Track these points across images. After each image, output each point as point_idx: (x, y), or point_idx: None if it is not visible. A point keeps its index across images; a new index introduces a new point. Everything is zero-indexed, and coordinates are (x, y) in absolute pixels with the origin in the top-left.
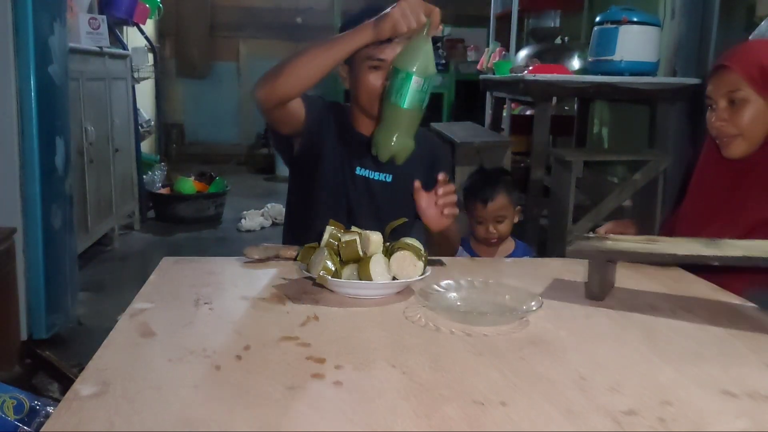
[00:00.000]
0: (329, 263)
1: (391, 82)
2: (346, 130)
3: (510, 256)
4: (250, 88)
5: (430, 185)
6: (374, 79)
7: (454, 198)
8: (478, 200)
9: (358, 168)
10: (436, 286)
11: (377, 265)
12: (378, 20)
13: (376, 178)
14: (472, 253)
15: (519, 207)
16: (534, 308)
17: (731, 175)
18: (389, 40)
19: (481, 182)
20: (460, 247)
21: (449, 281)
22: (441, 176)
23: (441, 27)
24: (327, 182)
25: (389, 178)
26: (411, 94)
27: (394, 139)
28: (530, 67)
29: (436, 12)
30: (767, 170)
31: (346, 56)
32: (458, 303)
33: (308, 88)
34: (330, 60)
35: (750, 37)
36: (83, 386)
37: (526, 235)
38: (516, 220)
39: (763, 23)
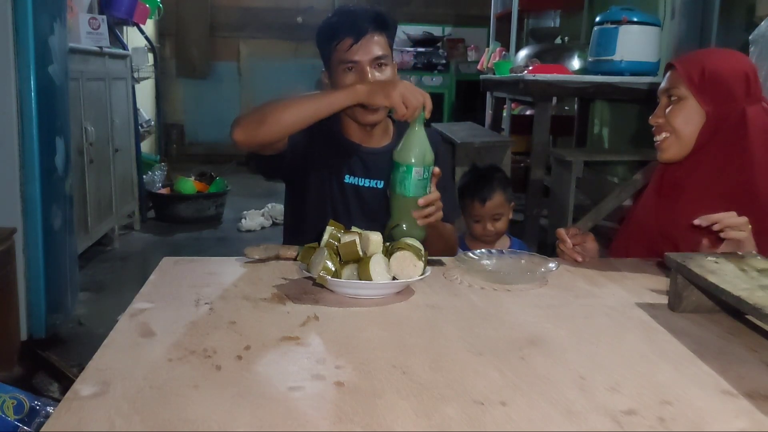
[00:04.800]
0: (329, 263)
1: (394, 175)
2: (334, 137)
3: None
4: (251, 89)
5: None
6: (350, 81)
7: (432, 210)
8: (475, 199)
9: (347, 176)
10: (471, 254)
11: (377, 265)
12: (374, 90)
13: (366, 185)
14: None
15: (513, 203)
16: (553, 269)
17: (668, 188)
18: (358, 38)
19: (477, 181)
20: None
21: (482, 250)
22: (436, 170)
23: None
24: (316, 193)
25: (380, 185)
26: (414, 183)
27: (405, 228)
28: (530, 67)
29: (429, 100)
30: (697, 180)
31: (331, 113)
32: (489, 266)
33: (286, 133)
34: (314, 114)
35: (750, 38)
36: (83, 386)
37: (526, 235)
38: (510, 216)
39: (763, 23)
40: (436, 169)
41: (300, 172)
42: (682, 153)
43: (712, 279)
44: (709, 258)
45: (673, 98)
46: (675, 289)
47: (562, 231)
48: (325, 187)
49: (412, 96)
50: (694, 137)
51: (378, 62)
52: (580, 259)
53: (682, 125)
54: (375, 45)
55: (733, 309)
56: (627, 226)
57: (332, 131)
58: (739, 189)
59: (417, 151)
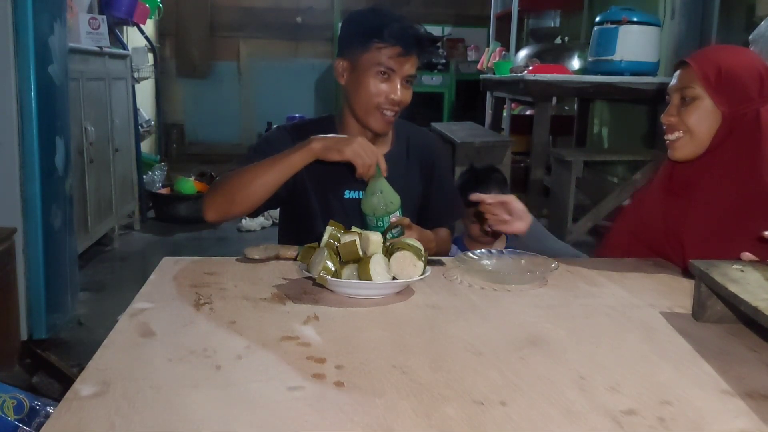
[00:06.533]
0: (329, 263)
1: (363, 217)
2: None
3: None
4: (251, 89)
5: (430, 187)
6: (375, 86)
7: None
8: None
9: (346, 192)
10: (471, 254)
11: (377, 265)
12: (328, 146)
13: None
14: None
15: None
16: (553, 269)
17: (679, 187)
18: (407, 54)
19: (474, 182)
20: (454, 246)
21: (482, 250)
22: (394, 218)
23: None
24: (316, 213)
25: None
26: (371, 229)
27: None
28: (530, 67)
29: (382, 159)
30: (709, 180)
31: (291, 175)
32: (489, 267)
33: (259, 204)
34: (278, 180)
35: (750, 37)
36: (83, 386)
37: None
38: None
39: (763, 23)
40: (395, 218)
41: (295, 196)
42: (696, 153)
43: (732, 288)
44: (735, 266)
45: (687, 97)
46: (698, 298)
47: (478, 195)
48: (326, 208)
49: (366, 153)
50: (709, 137)
51: (408, 80)
52: (507, 217)
53: (696, 125)
54: (412, 63)
55: (752, 320)
56: (624, 222)
57: None
58: (751, 190)
59: (372, 202)
